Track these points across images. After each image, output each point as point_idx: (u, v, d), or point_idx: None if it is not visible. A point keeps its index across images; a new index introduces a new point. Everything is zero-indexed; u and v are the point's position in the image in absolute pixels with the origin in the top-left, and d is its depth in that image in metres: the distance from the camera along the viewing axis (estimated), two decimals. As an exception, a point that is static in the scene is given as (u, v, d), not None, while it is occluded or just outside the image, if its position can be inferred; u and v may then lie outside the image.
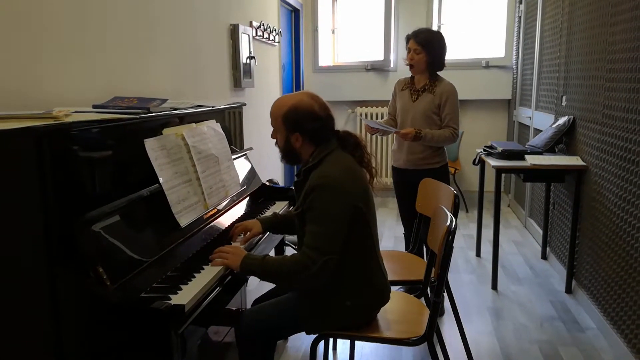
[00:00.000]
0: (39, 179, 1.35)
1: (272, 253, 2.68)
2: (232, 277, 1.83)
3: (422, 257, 2.98)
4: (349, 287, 1.85)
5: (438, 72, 3.11)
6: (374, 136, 5.79)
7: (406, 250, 3.29)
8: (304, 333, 1.91)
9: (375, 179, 1.94)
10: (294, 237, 3.08)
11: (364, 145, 1.93)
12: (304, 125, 1.82)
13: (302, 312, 1.88)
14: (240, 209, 2.42)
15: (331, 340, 2.68)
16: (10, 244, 1.39)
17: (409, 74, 3.17)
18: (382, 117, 5.89)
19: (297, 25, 5.79)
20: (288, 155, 1.91)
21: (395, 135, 3.13)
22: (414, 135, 2.97)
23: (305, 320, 1.88)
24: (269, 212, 2.52)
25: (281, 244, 2.80)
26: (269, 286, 2.14)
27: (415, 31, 3.08)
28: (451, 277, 3.57)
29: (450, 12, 5.86)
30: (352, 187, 1.79)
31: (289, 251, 2.19)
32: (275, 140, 1.93)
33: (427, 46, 3.00)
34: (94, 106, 1.88)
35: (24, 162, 1.35)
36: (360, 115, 5.93)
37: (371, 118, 6.01)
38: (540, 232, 4.14)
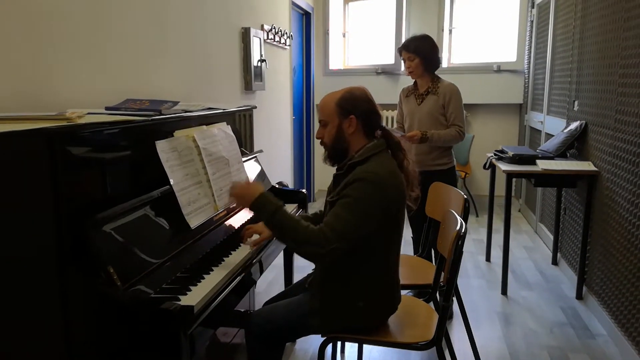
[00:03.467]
0: (52, 180, 1.37)
1: (280, 256, 2.68)
2: (241, 279, 1.83)
3: (431, 261, 2.98)
4: (364, 288, 1.85)
5: (439, 74, 3.16)
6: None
7: (415, 253, 3.29)
8: (312, 336, 1.91)
9: (412, 190, 1.93)
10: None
11: (404, 149, 1.94)
12: (359, 106, 1.84)
13: (313, 315, 1.87)
14: (249, 211, 2.43)
15: (339, 343, 2.67)
16: (21, 244, 1.40)
17: None
18: (392, 120, 5.90)
19: (308, 28, 5.80)
20: (337, 148, 1.87)
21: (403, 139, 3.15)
22: (420, 137, 3.00)
23: (315, 319, 1.87)
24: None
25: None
26: (277, 289, 2.14)
27: (404, 43, 3.17)
28: (460, 281, 3.55)
29: (461, 16, 5.85)
30: (392, 191, 1.79)
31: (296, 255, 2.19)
32: (321, 139, 1.91)
33: (418, 51, 3.07)
34: (107, 108, 1.90)
35: (37, 162, 1.37)
36: None
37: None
38: (551, 237, 4.11)
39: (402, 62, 3.18)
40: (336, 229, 1.70)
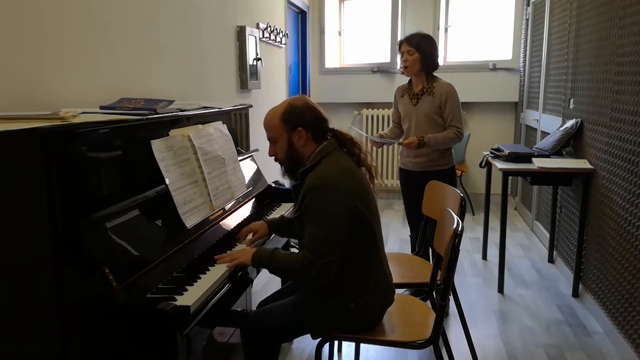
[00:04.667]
0: (46, 180, 1.36)
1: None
2: (237, 279, 1.82)
3: (428, 260, 2.97)
4: (351, 289, 1.85)
5: (435, 74, 3.13)
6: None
7: (412, 252, 3.29)
8: (308, 335, 1.91)
9: (375, 179, 1.94)
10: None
11: (359, 144, 1.93)
12: (304, 116, 1.84)
13: (307, 315, 1.87)
14: (246, 210, 2.42)
15: (336, 342, 2.67)
16: (16, 244, 1.39)
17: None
18: (389, 119, 5.89)
19: (303, 27, 5.79)
20: (292, 161, 1.89)
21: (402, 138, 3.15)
22: (417, 143, 2.98)
23: (310, 324, 1.87)
24: (274, 213, 2.52)
25: (287, 245, 2.80)
26: (274, 288, 2.14)
27: (407, 36, 3.14)
28: (457, 280, 3.55)
29: (457, 14, 5.85)
30: (348, 188, 1.78)
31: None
32: (274, 156, 1.92)
33: (419, 46, 3.04)
34: (101, 107, 1.88)
35: (32, 162, 1.36)
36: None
37: (377, 121, 5.98)
38: (547, 235, 4.12)
39: (399, 55, 3.13)
40: (314, 249, 1.73)
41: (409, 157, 3.17)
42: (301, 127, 1.83)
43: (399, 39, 5.79)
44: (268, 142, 1.93)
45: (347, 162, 1.86)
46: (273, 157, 1.94)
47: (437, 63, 3.13)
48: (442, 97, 3.02)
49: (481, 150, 4.25)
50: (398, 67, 5.82)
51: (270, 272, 1.86)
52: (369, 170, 1.92)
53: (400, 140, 3.14)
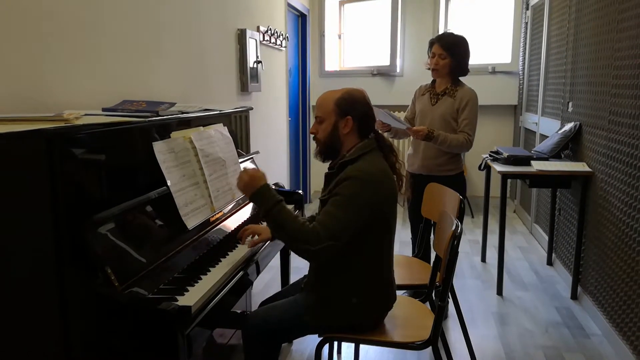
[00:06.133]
0: (50, 181, 1.37)
1: (277, 257, 2.69)
2: (238, 280, 1.84)
3: (429, 262, 2.98)
4: (357, 285, 1.87)
5: (460, 78, 3.07)
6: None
7: (413, 254, 3.29)
8: (308, 336, 1.92)
9: (403, 187, 1.97)
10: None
11: (396, 152, 1.97)
12: (357, 108, 1.87)
13: (308, 312, 1.88)
14: (246, 212, 2.44)
15: (335, 343, 2.68)
16: (19, 245, 1.41)
17: (415, 79, 3.18)
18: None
19: (303, 30, 5.82)
20: (329, 145, 1.91)
21: (411, 139, 3.11)
22: (425, 134, 2.90)
23: (310, 317, 1.88)
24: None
25: (286, 248, 2.81)
26: (274, 289, 2.15)
27: (440, 35, 3.06)
28: (456, 282, 3.56)
29: (456, 18, 5.87)
30: (383, 188, 1.82)
31: (294, 255, 2.19)
32: (314, 134, 1.93)
33: (452, 50, 2.97)
34: (104, 109, 1.90)
35: (35, 163, 1.37)
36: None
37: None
38: (546, 238, 4.14)
39: (429, 55, 3.03)
40: (327, 227, 1.73)
41: (417, 159, 3.11)
42: (351, 117, 1.86)
43: (398, 42, 5.86)
44: (315, 119, 1.94)
45: (385, 165, 1.89)
46: (312, 135, 1.96)
47: (467, 68, 3.06)
48: (463, 101, 2.97)
49: (480, 153, 4.27)
50: (398, 70, 5.89)
51: (264, 218, 1.78)
52: (399, 179, 1.95)
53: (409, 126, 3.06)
